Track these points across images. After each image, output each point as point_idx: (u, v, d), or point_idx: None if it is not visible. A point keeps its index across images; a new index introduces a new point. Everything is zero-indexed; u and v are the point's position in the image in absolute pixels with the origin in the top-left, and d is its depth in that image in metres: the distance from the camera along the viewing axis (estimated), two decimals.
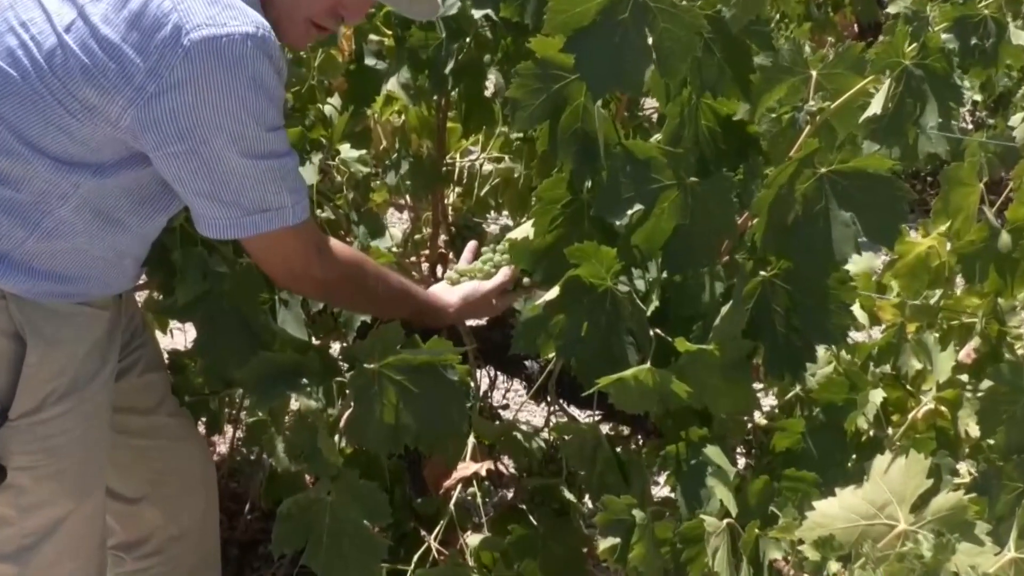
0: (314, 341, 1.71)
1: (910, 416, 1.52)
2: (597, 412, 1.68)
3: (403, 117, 2.17)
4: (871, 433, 1.46)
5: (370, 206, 1.98)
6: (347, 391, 1.39)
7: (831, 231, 1.24)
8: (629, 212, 1.29)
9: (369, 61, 1.92)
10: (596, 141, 1.34)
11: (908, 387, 1.63)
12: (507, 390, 2.34)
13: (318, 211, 1.83)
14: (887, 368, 1.67)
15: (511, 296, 1.58)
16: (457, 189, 2.26)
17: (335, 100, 1.97)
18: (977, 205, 1.62)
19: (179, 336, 2.29)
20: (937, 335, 1.61)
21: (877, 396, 1.46)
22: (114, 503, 1.61)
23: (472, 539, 1.50)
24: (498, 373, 2.05)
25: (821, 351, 1.45)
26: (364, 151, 1.90)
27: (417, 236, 2.26)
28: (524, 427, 1.72)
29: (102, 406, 1.44)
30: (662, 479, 1.40)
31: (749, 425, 1.47)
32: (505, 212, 2.37)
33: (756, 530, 1.18)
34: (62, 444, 1.38)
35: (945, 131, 1.36)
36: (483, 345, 1.77)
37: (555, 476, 1.60)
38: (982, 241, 1.59)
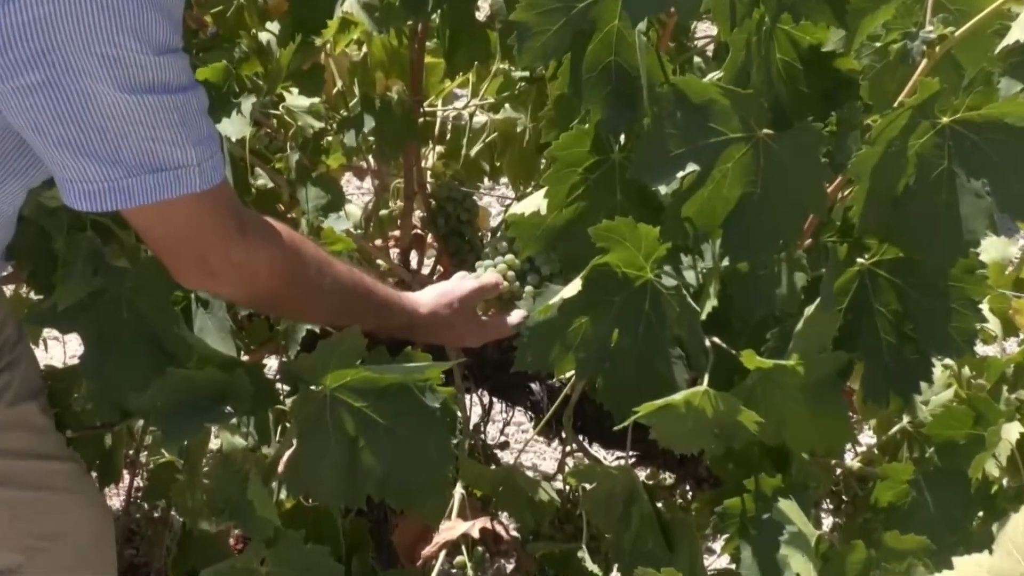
0: (243, 356, 1.71)
1: None
2: (631, 453, 1.70)
3: (364, 49, 2.16)
4: (1004, 482, 1.46)
5: (322, 171, 1.98)
6: (288, 423, 1.39)
7: (956, 204, 1.25)
8: (680, 175, 1.28)
9: None
10: (635, 80, 1.34)
11: None
12: (506, 422, 2.34)
13: (249, 178, 1.82)
14: None
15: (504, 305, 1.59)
16: (438, 148, 2.26)
17: (275, 26, 1.95)
18: None
19: (55, 349, 2.28)
20: None
21: (1013, 432, 1.45)
22: None
23: None
24: (494, 399, 2.06)
25: (937, 369, 1.45)
26: (317, 98, 1.89)
27: (384, 212, 2.26)
28: (530, 473, 1.71)
29: None
30: (718, 545, 1.41)
31: (839, 471, 1.50)
32: (505, 180, 2.37)
33: None
34: None
35: None
36: (474, 360, 1.77)
37: (572, 540, 1.60)
38: None
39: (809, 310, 1.27)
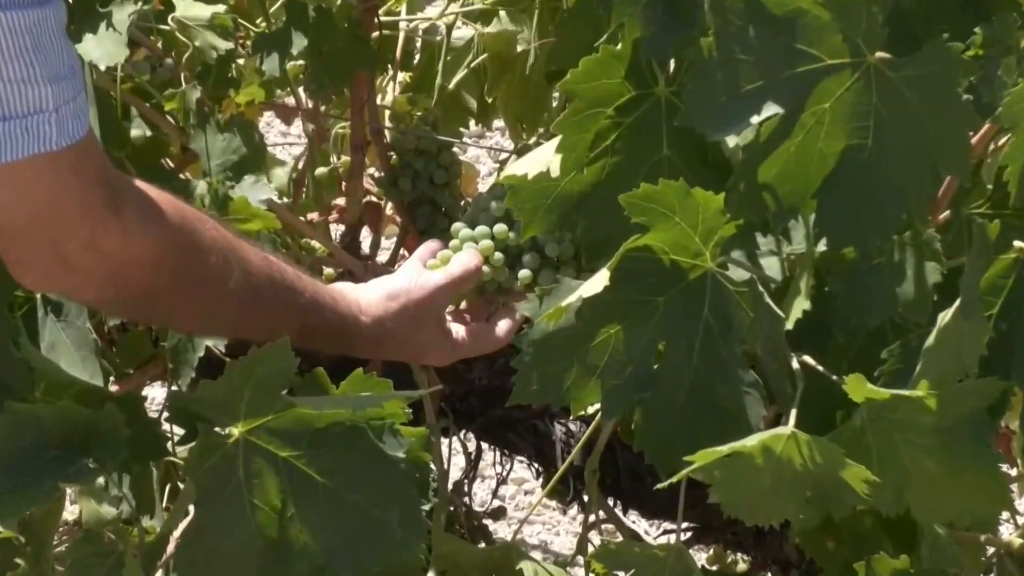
0: (113, 384, 1.72)
1: None
2: (684, 525, 1.72)
3: None
4: None
5: (231, 112, 1.96)
6: (182, 483, 1.39)
7: None
8: (755, 120, 1.29)
9: None
10: None
11: None
12: (502, 479, 2.34)
13: (124, 125, 1.82)
14: None
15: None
16: (402, 77, 2.27)
17: None
18: None
19: None
20: None
21: None
22: None
23: None
24: (484, 444, 2.08)
25: None
26: (221, 7, 1.89)
27: (322, 171, 2.26)
28: (537, 554, 1.71)
29: None
30: None
31: (991, 550, 1.49)
32: (499, 124, 2.36)
33: None
34: None
35: None
36: (455, 389, 1.80)
37: None
38: None
39: (945, 317, 1.27)
